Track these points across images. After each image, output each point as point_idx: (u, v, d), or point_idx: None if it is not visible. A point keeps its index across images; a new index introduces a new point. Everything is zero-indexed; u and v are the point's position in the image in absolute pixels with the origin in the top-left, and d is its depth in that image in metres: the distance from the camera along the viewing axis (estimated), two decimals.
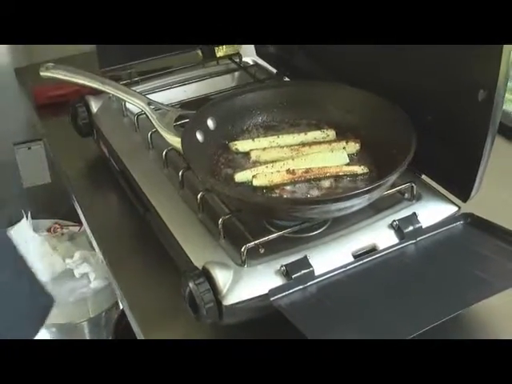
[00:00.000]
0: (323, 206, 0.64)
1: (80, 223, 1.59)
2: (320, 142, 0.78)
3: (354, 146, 0.76)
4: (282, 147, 0.77)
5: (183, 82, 0.99)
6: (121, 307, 1.48)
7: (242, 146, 0.78)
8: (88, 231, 0.89)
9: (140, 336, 0.71)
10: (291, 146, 0.77)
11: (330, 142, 0.77)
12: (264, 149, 0.77)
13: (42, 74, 0.82)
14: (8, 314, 0.84)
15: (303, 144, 0.78)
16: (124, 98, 0.83)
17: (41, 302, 0.92)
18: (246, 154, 0.77)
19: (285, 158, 0.75)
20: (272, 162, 0.74)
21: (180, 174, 0.76)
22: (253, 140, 0.78)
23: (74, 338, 1.50)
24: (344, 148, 0.76)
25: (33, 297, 0.91)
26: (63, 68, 0.82)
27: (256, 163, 0.76)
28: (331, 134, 0.80)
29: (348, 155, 0.75)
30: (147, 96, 0.86)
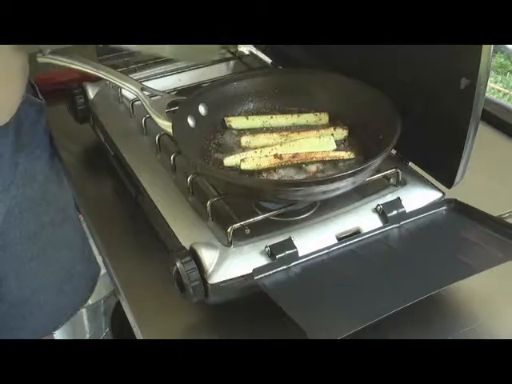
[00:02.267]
0: (307, 188, 0.65)
1: (80, 211, 1.61)
2: (310, 127, 0.80)
3: (341, 133, 0.78)
4: (271, 133, 0.79)
5: (179, 70, 1.01)
6: None
7: (235, 122, 0.80)
8: (83, 215, 0.91)
9: (132, 320, 0.73)
10: (281, 129, 0.80)
11: (318, 128, 0.79)
12: (254, 135, 0.79)
13: (38, 59, 0.84)
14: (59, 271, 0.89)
15: (292, 130, 0.79)
16: (118, 84, 0.85)
17: (91, 266, 0.97)
18: (237, 140, 0.79)
19: (274, 144, 0.77)
20: (261, 147, 0.76)
21: (171, 158, 0.78)
22: (247, 118, 0.80)
23: (73, 326, 1.53)
24: (332, 134, 0.77)
25: (83, 258, 0.95)
26: (59, 54, 0.84)
27: (246, 149, 0.77)
28: (324, 117, 0.81)
29: (336, 142, 0.77)
30: (142, 83, 0.88)
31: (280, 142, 0.77)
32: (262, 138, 0.78)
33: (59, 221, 0.92)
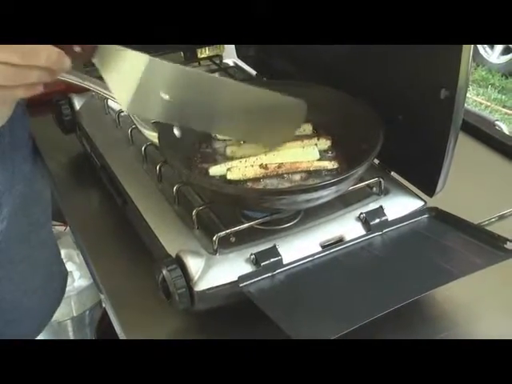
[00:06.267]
0: (291, 196, 0.67)
1: (66, 223, 1.61)
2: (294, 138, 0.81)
3: (325, 143, 0.79)
4: (256, 143, 0.80)
5: None
6: (103, 305, 1.50)
7: None
8: (69, 225, 0.91)
9: (119, 329, 0.73)
10: None
11: (302, 138, 0.80)
12: (239, 145, 0.80)
13: None
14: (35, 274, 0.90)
15: None
16: (104, 94, 0.86)
17: (62, 269, 0.98)
18: (222, 150, 0.80)
19: (259, 154, 0.78)
20: (246, 157, 0.77)
21: (158, 167, 0.79)
22: None
23: (57, 336, 1.52)
24: (316, 144, 0.78)
25: (58, 259, 0.96)
26: None
27: (231, 159, 0.78)
28: (307, 128, 0.83)
29: (320, 152, 0.78)
30: None
31: (264, 151, 0.78)
32: (246, 148, 0.79)
33: (43, 221, 0.92)
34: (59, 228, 1.63)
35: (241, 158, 0.77)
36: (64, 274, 1.05)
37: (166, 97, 0.66)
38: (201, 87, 0.69)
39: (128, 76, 0.65)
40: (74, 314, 1.50)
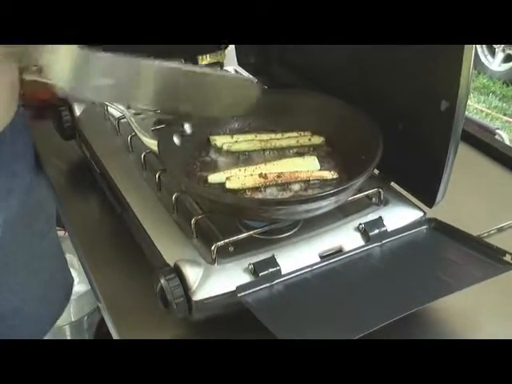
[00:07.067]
0: (290, 206, 0.66)
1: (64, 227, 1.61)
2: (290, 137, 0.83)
3: (318, 139, 0.81)
4: (252, 140, 0.82)
5: None
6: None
7: (220, 140, 0.82)
8: (68, 232, 0.91)
9: (116, 336, 0.73)
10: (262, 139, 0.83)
11: (297, 137, 0.82)
12: (235, 142, 0.81)
13: (24, 76, 0.84)
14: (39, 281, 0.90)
15: (271, 137, 0.83)
16: None
17: (66, 277, 0.99)
18: (222, 156, 0.81)
19: (254, 149, 0.81)
20: (243, 152, 0.80)
21: (157, 175, 0.78)
22: (231, 137, 0.82)
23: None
24: (309, 139, 0.81)
25: (63, 268, 0.97)
26: None
27: (228, 153, 0.80)
28: (306, 136, 0.83)
29: (319, 162, 0.78)
30: None
31: (260, 147, 0.81)
32: (242, 143, 0.81)
33: (46, 230, 0.92)
34: (59, 233, 1.63)
35: (237, 151, 0.80)
36: (69, 282, 1.04)
37: (108, 81, 0.66)
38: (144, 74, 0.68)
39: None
40: (73, 319, 1.50)
